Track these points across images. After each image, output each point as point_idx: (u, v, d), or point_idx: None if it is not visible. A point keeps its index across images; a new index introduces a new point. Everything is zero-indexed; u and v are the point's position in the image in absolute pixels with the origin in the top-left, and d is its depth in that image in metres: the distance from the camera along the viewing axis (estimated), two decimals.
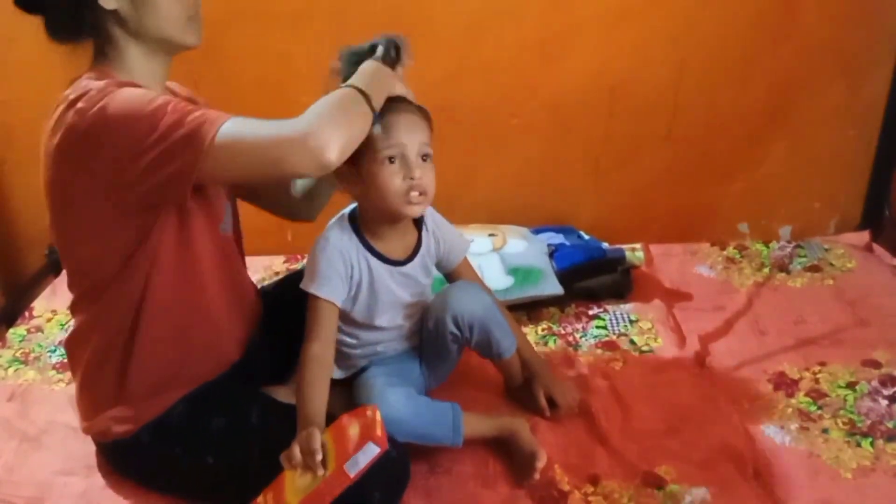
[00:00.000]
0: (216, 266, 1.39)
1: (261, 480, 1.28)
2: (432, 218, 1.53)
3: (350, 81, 1.25)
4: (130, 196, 1.20)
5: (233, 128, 1.14)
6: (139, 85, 1.23)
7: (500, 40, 2.15)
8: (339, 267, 1.40)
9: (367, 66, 1.31)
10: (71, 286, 1.38)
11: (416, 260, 1.48)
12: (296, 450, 1.20)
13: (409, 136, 1.34)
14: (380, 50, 1.37)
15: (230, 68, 2.10)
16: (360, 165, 1.35)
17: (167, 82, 1.37)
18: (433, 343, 1.52)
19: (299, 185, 1.57)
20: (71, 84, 1.23)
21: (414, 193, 1.35)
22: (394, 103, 1.34)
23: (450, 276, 1.60)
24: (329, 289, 1.39)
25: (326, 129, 1.13)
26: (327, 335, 1.39)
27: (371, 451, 1.16)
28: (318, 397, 1.32)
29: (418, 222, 1.50)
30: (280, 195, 1.58)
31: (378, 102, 1.26)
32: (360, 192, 1.40)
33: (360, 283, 1.43)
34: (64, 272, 1.40)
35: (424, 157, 1.36)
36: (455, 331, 1.48)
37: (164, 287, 1.31)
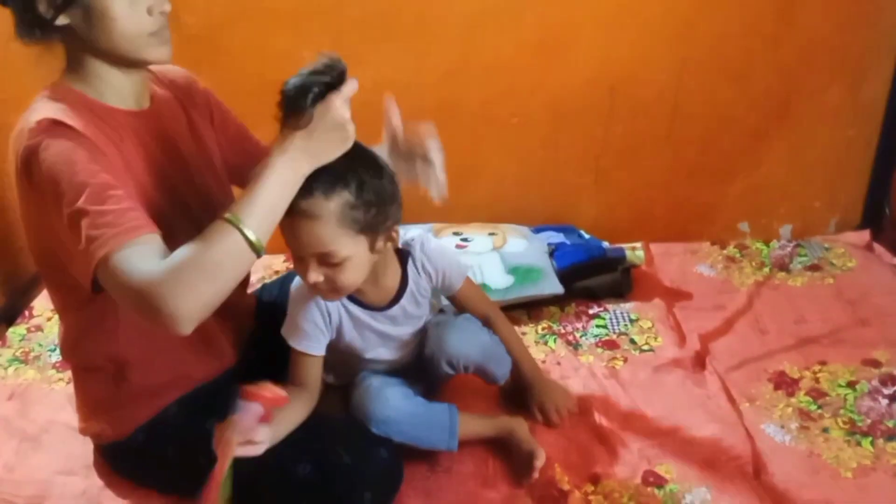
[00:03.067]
0: None
1: (253, 482, 1.28)
2: (422, 250, 1.45)
3: (237, 204, 1.09)
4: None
5: (118, 260, 1.05)
6: (69, 125, 1.13)
7: (500, 40, 2.15)
8: (316, 319, 1.37)
9: (280, 157, 1.11)
10: (51, 292, 1.35)
11: (403, 301, 1.43)
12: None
13: (296, 244, 1.22)
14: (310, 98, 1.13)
15: (230, 68, 2.10)
16: None
17: (165, 66, 1.33)
18: (428, 371, 1.50)
19: None
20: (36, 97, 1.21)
21: (317, 293, 1.30)
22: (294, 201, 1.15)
23: (452, 301, 1.56)
24: (308, 343, 1.38)
25: (186, 298, 1.03)
26: (310, 382, 1.39)
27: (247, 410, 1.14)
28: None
29: (402, 259, 1.43)
30: None
31: (268, 222, 1.10)
32: None
33: (340, 324, 1.41)
34: None
35: (325, 262, 1.23)
36: (449, 371, 1.47)
37: None
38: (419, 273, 1.44)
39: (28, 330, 1.97)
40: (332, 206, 1.18)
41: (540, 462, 1.41)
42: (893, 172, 2.29)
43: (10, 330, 1.98)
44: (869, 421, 1.56)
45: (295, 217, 1.17)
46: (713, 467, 1.43)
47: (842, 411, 1.59)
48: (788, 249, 2.22)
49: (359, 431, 1.35)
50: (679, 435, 1.52)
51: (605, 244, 2.17)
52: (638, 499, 1.38)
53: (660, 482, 1.41)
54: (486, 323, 1.53)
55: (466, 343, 1.46)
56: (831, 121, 2.27)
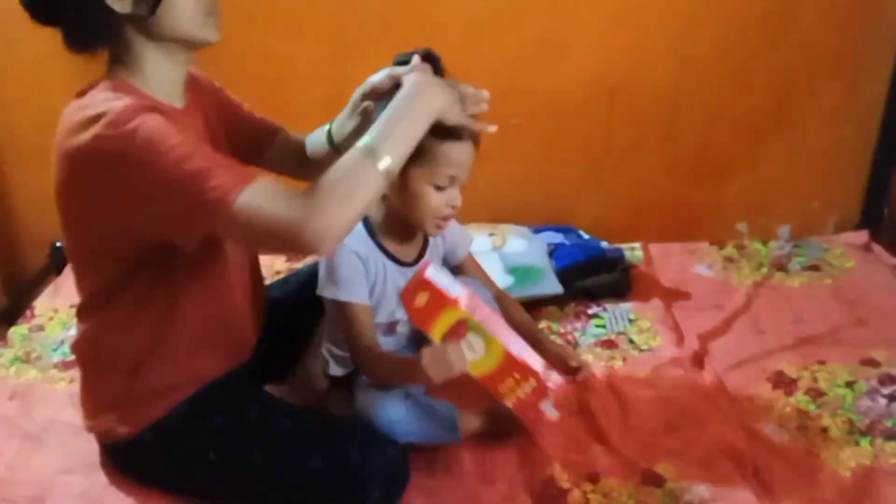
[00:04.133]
0: (239, 265, 1.38)
1: (261, 479, 1.29)
2: None
3: (369, 132, 1.16)
4: (134, 228, 1.18)
5: (247, 202, 1.09)
6: (157, 108, 1.17)
7: (500, 40, 2.16)
8: (359, 267, 1.41)
9: (397, 100, 1.20)
10: (79, 288, 1.34)
11: (425, 258, 1.49)
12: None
13: (463, 169, 1.35)
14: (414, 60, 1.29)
15: (230, 68, 2.09)
16: (406, 175, 1.33)
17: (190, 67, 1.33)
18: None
19: (317, 148, 1.51)
20: (86, 91, 1.20)
21: (446, 218, 1.38)
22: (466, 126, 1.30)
23: (454, 272, 1.59)
24: (354, 292, 1.40)
25: (325, 219, 1.08)
26: (369, 334, 1.41)
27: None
28: (395, 359, 1.40)
29: None
30: (289, 161, 1.54)
31: (400, 148, 1.16)
32: (395, 197, 1.39)
33: (374, 284, 1.44)
34: (67, 271, 1.38)
35: (463, 183, 1.38)
36: None
37: (192, 291, 1.29)
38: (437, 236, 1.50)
39: (30, 330, 1.98)
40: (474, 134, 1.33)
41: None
42: (892, 172, 2.29)
43: (12, 330, 1.99)
44: (868, 421, 1.56)
45: (467, 141, 1.32)
46: (712, 467, 1.43)
47: (840, 411, 1.59)
48: (787, 249, 2.22)
49: (368, 429, 1.36)
50: (678, 434, 1.53)
51: (604, 244, 2.18)
52: (637, 497, 1.38)
53: (659, 481, 1.41)
54: (503, 305, 1.56)
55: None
56: (830, 121, 2.27)
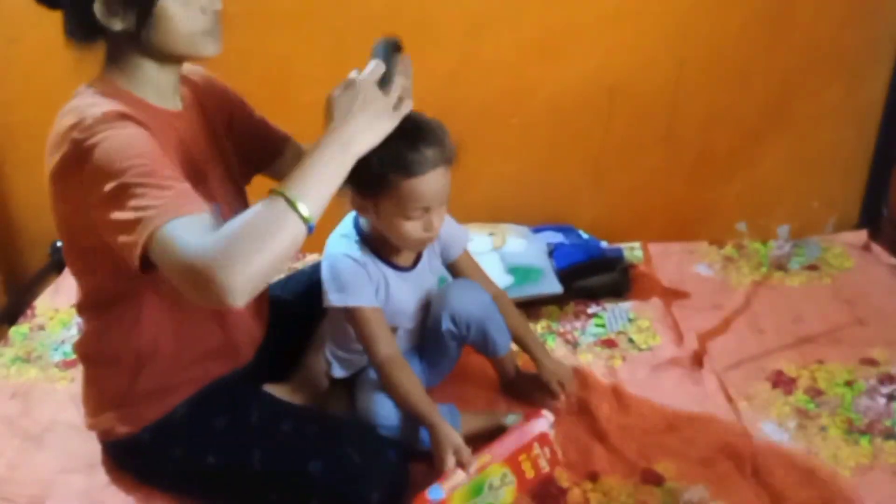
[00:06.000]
0: None
1: (262, 480, 1.29)
2: None
3: (288, 178, 1.11)
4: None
5: (170, 231, 1.05)
6: (137, 115, 1.15)
7: (499, 40, 2.16)
8: (361, 271, 1.41)
9: (331, 136, 1.15)
10: (77, 286, 1.35)
11: (423, 260, 1.50)
12: (450, 459, 1.29)
13: (436, 197, 1.33)
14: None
15: (230, 68, 2.09)
16: (378, 202, 1.34)
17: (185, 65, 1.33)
18: (433, 340, 1.53)
19: None
20: (76, 93, 1.20)
21: (425, 241, 1.38)
22: (421, 148, 1.28)
23: (451, 268, 1.59)
24: (363, 296, 1.40)
25: (238, 270, 1.01)
26: (385, 335, 1.41)
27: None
28: (416, 392, 1.37)
29: None
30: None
31: (318, 195, 1.11)
32: (373, 221, 1.40)
33: (377, 289, 1.44)
34: (68, 270, 1.38)
35: (442, 202, 1.36)
36: (453, 328, 1.49)
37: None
38: None
39: (30, 329, 1.98)
40: (447, 148, 1.33)
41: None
42: (891, 172, 2.29)
43: (13, 329, 1.99)
44: (867, 420, 1.56)
45: (440, 167, 1.31)
46: (711, 466, 1.44)
47: (840, 410, 1.59)
48: (786, 249, 2.23)
49: (369, 433, 1.37)
50: (677, 433, 1.53)
51: (604, 244, 2.18)
52: (636, 497, 1.38)
53: (658, 480, 1.42)
54: (500, 305, 1.56)
55: (469, 300, 1.49)
56: (829, 121, 2.27)
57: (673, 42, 2.16)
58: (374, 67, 1.21)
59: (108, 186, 1.08)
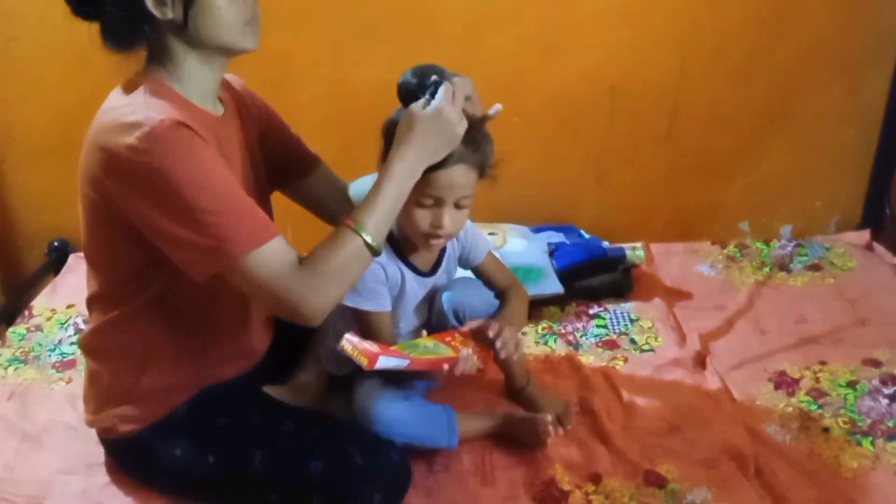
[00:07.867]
0: None
1: (263, 480, 1.29)
2: None
3: (361, 206, 1.22)
4: (149, 237, 1.18)
5: (256, 261, 1.15)
6: (194, 122, 1.16)
7: (500, 39, 2.15)
8: (381, 275, 1.41)
9: (395, 169, 1.22)
10: (91, 278, 1.33)
11: (442, 266, 1.49)
12: None
13: (450, 192, 1.32)
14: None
15: (230, 68, 2.10)
16: None
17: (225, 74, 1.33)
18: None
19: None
20: (124, 87, 1.19)
21: (433, 236, 1.36)
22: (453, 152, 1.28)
23: (476, 273, 1.59)
24: (378, 301, 1.41)
25: (322, 297, 1.18)
26: (389, 339, 1.42)
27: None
28: None
29: None
30: (333, 197, 1.55)
31: (385, 220, 1.23)
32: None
33: (391, 290, 1.44)
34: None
35: (459, 205, 1.35)
36: (455, 323, 1.48)
37: (205, 296, 1.27)
38: (454, 241, 1.50)
39: (28, 330, 1.97)
40: (480, 153, 1.34)
41: (549, 417, 1.45)
42: (894, 172, 2.29)
43: (10, 330, 1.98)
44: (869, 421, 1.56)
45: (462, 164, 1.31)
46: (714, 467, 1.43)
47: (842, 411, 1.59)
48: (789, 249, 2.22)
49: (370, 432, 1.36)
50: (680, 435, 1.52)
51: (606, 244, 2.17)
52: (639, 498, 1.38)
53: (661, 482, 1.41)
54: (504, 295, 1.55)
55: (471, 295, 1.50)
56: (831, 120, 2.27)
57: (675, 41, 2.16)
58: (465, 86, 1.29)
59: (178, 204, 1.11)
